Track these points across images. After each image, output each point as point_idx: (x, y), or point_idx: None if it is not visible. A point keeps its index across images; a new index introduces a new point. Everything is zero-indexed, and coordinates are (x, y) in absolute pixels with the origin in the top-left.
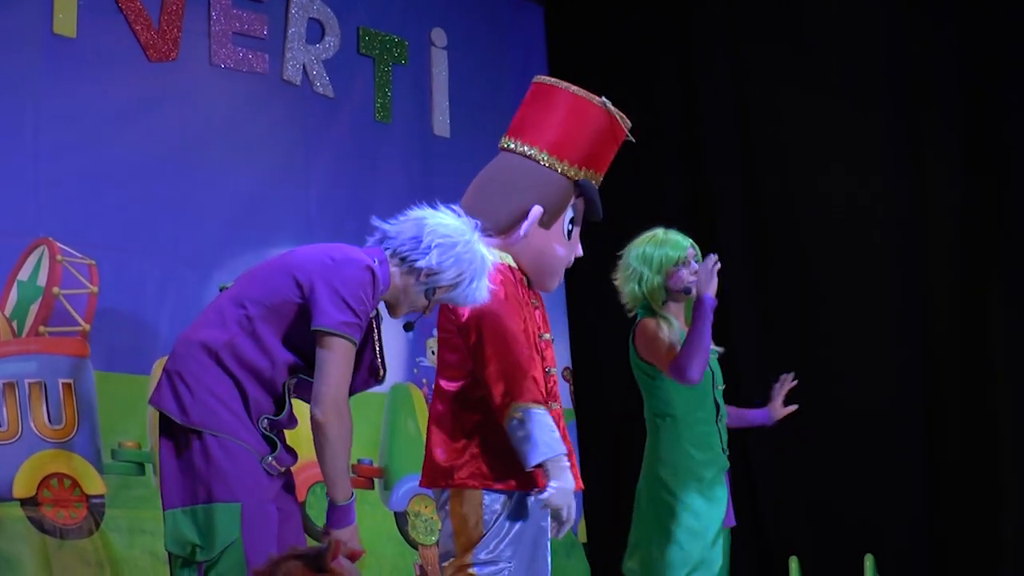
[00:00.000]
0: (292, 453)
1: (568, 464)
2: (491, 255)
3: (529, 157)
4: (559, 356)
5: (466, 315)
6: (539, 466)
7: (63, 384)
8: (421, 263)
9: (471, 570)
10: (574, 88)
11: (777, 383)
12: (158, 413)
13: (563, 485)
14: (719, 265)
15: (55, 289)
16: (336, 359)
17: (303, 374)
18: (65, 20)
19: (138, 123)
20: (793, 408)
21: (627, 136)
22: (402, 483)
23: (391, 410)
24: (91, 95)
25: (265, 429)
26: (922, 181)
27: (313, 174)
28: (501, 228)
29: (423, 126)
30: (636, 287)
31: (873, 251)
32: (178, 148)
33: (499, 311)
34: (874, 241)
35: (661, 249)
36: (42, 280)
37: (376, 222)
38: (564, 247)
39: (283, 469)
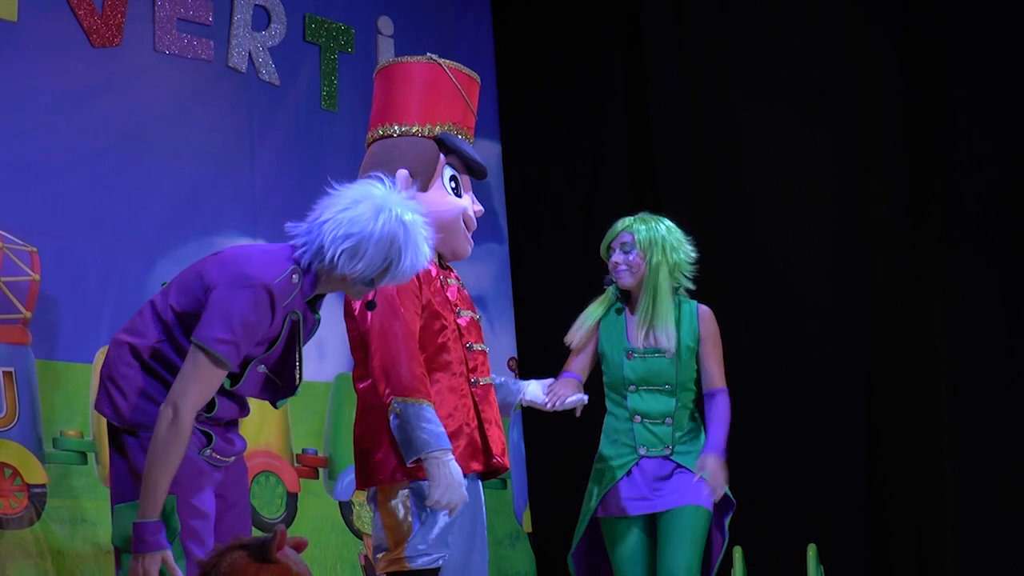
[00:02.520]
0: (231, 442)
1: (449, 458)
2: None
3: (384, 137)
4: (506, 346)
5: (358, 310)
6: (418, 461)
7: (3, 372)
8: (337, 272)
9: (404, 563)
10: (400, 59)
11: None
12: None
13: (444, 481)
14: None
15: None
16: (195, 373)
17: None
18: (6, 3)
19: (81, 110)
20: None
21: (471, 78)
22: (346, 473)
23: (335, 400)
24: (33, 81)
25: (202, 423)
26: (866, 182)
27: (258, 162)
28: None
29: (369, 115)
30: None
31: (817, 251)
32: (122, 135)
33: (386, 306)
34: (818, 241)
35: (607, 233)
36: None
37: (288, 229)
38: (450, 204)
39: (230, 458)
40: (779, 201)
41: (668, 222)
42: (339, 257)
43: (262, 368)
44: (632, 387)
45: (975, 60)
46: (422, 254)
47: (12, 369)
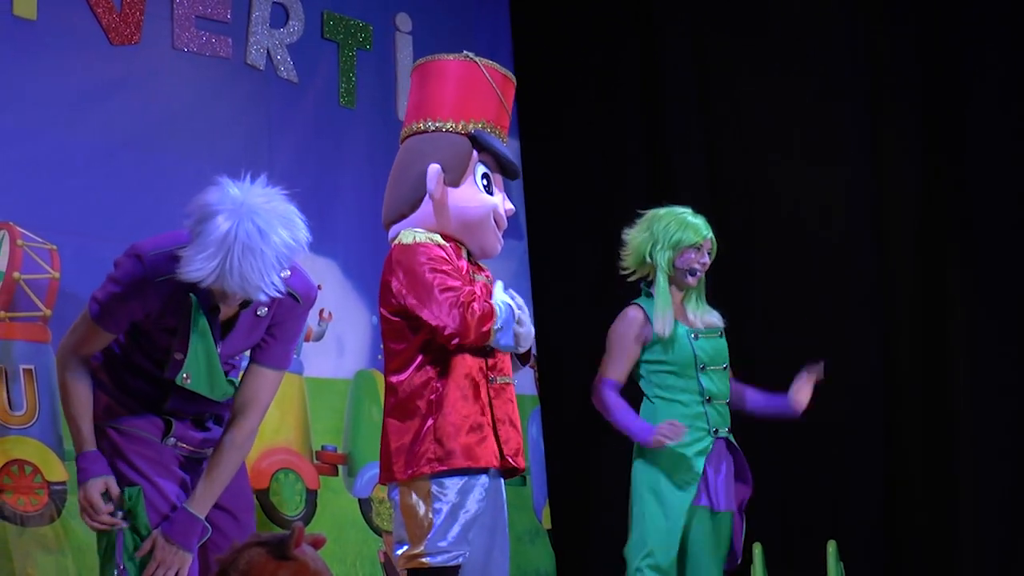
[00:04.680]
0: (203, 431)
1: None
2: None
3: (418, 132)
4: None
5: (397, 286)
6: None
7: (24, 370)
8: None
9: (424, 559)
10: (437, 56)
11: (803, 372)
12: None
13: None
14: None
15: (15, 274)
16: (79, 320)
17: (158, 369)
18: (25, 2)
19: (100, 107)
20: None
21: (507, 77)
22: (366, 470)
23: (355, 396)
24: (52, 79)
25: (166, 413)
26: (882, 168)
27: (276, 159)
28: (409, 203)
29: (387, 111)
30: (646, 251)
31: (833, 239)
32: (140, 133)
33: (426, 273)
34: (834, 229)
35: (683, 232)
36: (2, 265)
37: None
38: (479, 202)
39: (205, 450)
40: (795, 192)
41: None
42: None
43: (179, 355)
44: (703, 367)
45: (994, 45)
46: (208, 263)
47: (32, 367)
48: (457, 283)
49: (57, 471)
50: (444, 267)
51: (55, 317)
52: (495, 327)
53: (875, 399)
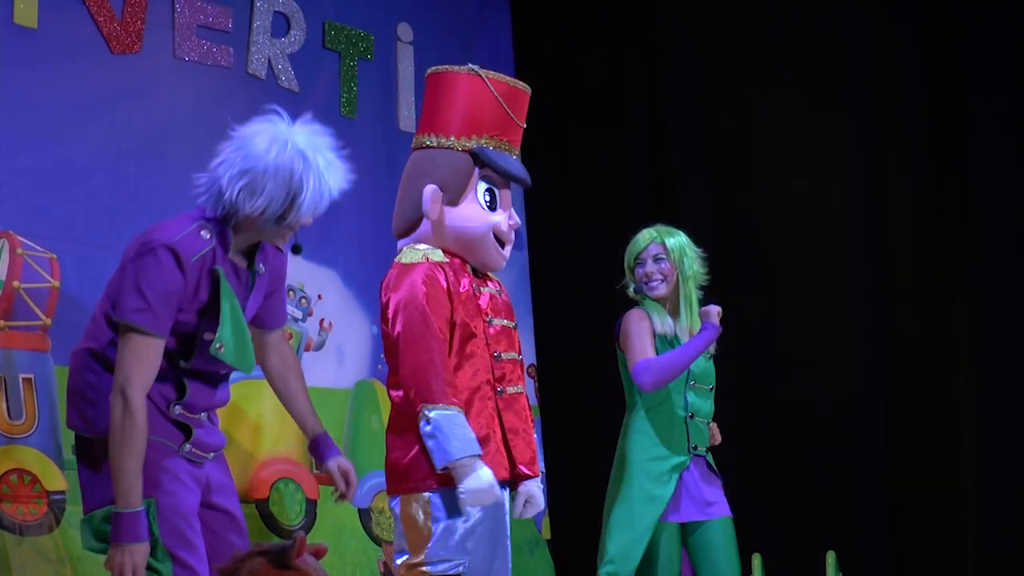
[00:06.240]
0: (211, 435)
1: (480, 464)
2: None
3: (424, 147)
4: (525, 353)
5: (390, 312)
6: (446, 468)
7: (23, 379)
8: (243, 212)
9: (424, 568)
10: (446, 68)
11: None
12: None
13: (473, 486)
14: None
15: (15, 283)
16: (126, 351)
17: (181, 358)
18: (26, 10)
19: (101, 116)
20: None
21: (516, 89)
22: (366, 479)
23: (354, 406)
24: (53, 87)
25: (178, 416)
26: (885, 180)
27: None
28: (409, 222)
29: (388, 121)
30: (630, 287)
31: (836, 250)
32: (141, 142)
33: (416, 314)
34: (838, 240)
35: (630, 248)
36: (2, 273)
37: (195, 179)
38: (480, 219)
39: (209, 454)
40: (798, 200)
41: (683, 233)
42: (238, 197)
43: (208, 336)
44: (692, 383)
45: (996, 51)
46: (326, 182)
47: (32, 376)
48: (437, 353)
49: (56, 480)
50: (436, 311)
51: (55, 326)
52: (425, 415)
53: (876, 409)
